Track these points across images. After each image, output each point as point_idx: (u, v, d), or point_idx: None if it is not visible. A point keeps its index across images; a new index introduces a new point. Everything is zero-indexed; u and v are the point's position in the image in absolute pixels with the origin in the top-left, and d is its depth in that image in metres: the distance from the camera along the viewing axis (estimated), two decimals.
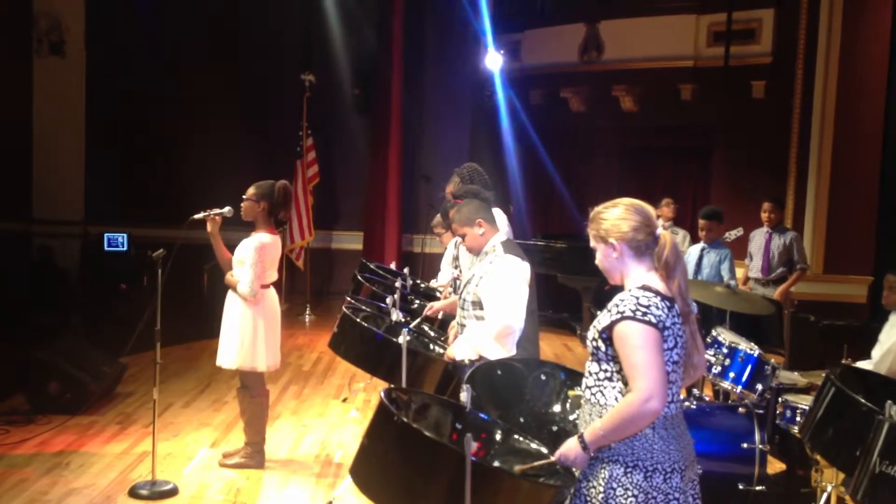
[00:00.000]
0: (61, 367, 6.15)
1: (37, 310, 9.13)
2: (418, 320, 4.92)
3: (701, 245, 6.78)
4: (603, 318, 2.54)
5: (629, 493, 2.45)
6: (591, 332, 2.58)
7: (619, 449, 2.47)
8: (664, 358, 2.47)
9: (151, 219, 10.20)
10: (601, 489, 2.47)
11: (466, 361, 4.06)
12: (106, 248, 10.26)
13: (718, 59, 9.93)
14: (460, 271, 5.72)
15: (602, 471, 2.49)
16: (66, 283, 10.39)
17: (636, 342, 2.43)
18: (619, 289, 2.65)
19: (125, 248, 10.27)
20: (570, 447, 2.51)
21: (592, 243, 2.68)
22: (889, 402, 3.18)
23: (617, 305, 2.50)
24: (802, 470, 4.97)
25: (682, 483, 2.50)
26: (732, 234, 7.08)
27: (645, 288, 2.52)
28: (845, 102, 9.37)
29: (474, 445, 2.25)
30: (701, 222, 6.75)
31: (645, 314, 2.45)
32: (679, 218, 9.17)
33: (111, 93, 10.97)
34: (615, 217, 2.61)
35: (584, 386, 2.63)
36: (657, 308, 2.47)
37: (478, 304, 4.11)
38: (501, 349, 3.96)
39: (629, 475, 2.45)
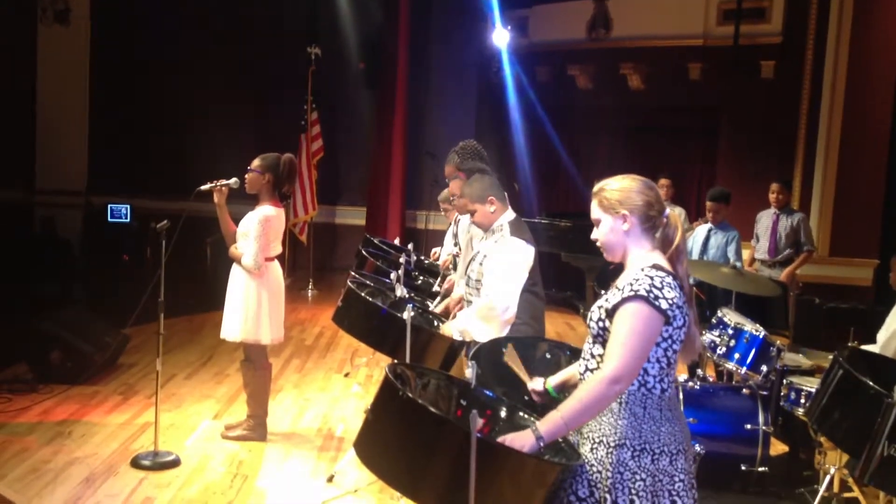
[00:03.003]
0: (63, 337, 6.15)
1: (39, 280, 9.13)
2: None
3: (708, 226, 6.75)
4: (612, 298, 2.47)
5: (637, 478, 2.41)
6: (597, 313, 2.50)
7: (627, 433, 2.43)
8: (672, 339, 2.44)
9: (155, 190, 10.19)
10: (609, 474, 2.43)
11: (467, 339, 4.04)
12: (109, 220, 10.23)
13: (728, 38, 9.79)
14: (459, 249, 5.69)
15: (609, 455, 2.44)
16: (68, 253, 10.39)
17: (636, 326, 2.38)
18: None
19: (128, 220, 10.24)
20: (521, 438, 2.36)
21: (595, 215, 2.58)
22: None
23: (631, 284, 2.43)
24: (805, 452, 4.99)
25: (685, 464, 2.48)
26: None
27: (656, 267, 2.46)
28: (855, 84, 9.27)
29: (480, 422, 2.23)
30: (708, 204, 6.72)
31: (657, 298, 2.39)
32: (685, 198, 9.09)
33: (115, 63, 10.93)
34: (628, 189, 2.54)
35: (583, 368, 2.57)
36: (670, 288, 2.42)
37: (481, 282, 4.08)
38: (488, 328, 3.90)
39: (637, 459, 2.42)
